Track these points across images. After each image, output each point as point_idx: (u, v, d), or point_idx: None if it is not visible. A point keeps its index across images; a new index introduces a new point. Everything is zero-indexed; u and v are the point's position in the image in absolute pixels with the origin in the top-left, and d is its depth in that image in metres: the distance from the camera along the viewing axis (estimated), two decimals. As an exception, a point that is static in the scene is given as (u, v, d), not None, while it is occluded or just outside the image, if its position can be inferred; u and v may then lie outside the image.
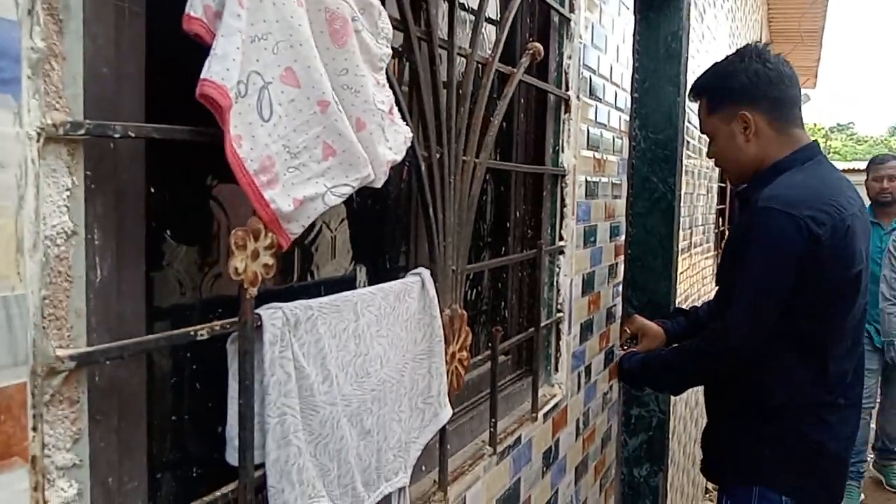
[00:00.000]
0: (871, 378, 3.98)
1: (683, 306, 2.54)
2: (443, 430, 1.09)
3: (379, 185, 0.75)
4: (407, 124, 0.83)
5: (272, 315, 0.71)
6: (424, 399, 1.00)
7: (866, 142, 38.05)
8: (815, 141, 1.69)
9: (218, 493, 0.67)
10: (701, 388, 1.89)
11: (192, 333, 0.64)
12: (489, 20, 1.32)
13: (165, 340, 0.63)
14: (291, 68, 0.66)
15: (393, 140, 0.77)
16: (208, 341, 0.73)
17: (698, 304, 2.07)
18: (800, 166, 1.62)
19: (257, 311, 0.69)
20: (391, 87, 0.81)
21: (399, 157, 0.78)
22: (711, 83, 1.68)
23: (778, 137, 1.64)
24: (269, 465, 0.71)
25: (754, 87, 1.62)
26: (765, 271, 1.57)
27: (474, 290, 1.44)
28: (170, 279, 0.76)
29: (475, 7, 1.10)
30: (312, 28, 0.69)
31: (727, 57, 1.70)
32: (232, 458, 0.72)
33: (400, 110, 0.83)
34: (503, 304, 1.55)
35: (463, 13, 1.21)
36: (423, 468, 1.11)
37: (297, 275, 0.91)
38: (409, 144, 0.80)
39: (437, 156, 0.97)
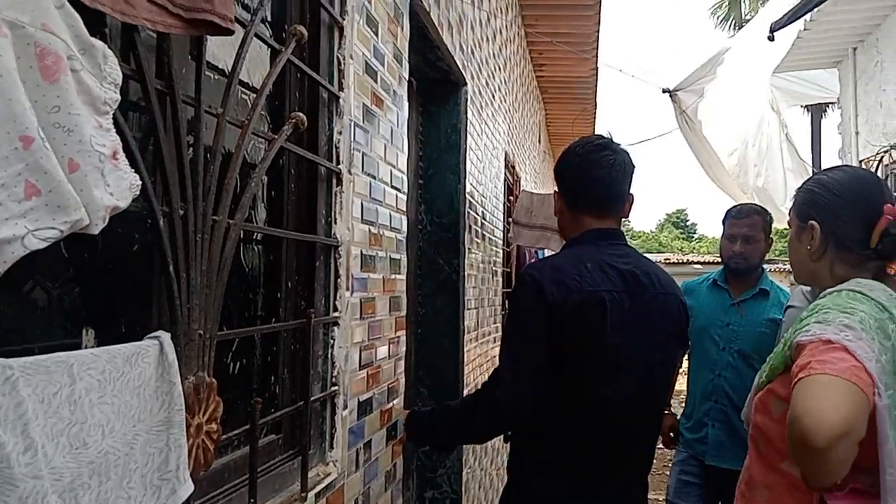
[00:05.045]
0: None
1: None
2: (188, 512, 1.01)
3: (95, 231, 0.70)
4: (139, 174, 0.79)
5: (-47, 374, 0.62)
6: (161, 475, 0.91)
7: (640, 237, 43.18)
8: (606, 229, 1.83)
9: None
10: (495, 477, 2.11)
11: None
12: (250, 87, 1.33)
13: None
14: (-13, 99, 0.61)
15: (115, 185, 0.73)
16: None
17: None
18: (576, 246, 1.84)
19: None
20: (121, 134, 0.77)
21: (122, 204, 0.74)
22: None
23: (571, 222, 1.88)
24: (-58, 552, 0.61)
25: (565, 174, 1.89)
26: (516, 328, 1.77)
27: (239, 364, 1.38)
28: None
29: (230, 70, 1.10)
30: (19, 62, 0.65)
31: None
32: None
33: (132, 159, 0.80)
34: (273, 378, 1.49)
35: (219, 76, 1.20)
36: (167, 557, 1.00)
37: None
38: (136, 192, 0.76)
39: (181, 212, 0.94)
